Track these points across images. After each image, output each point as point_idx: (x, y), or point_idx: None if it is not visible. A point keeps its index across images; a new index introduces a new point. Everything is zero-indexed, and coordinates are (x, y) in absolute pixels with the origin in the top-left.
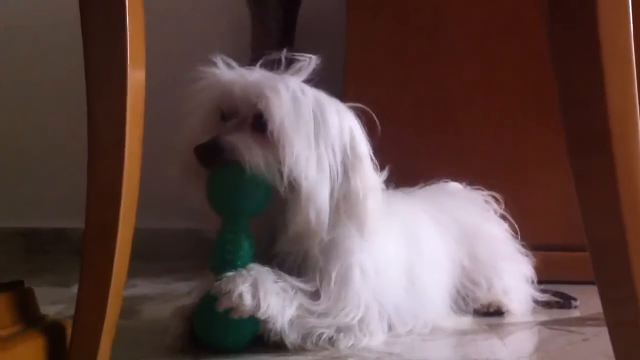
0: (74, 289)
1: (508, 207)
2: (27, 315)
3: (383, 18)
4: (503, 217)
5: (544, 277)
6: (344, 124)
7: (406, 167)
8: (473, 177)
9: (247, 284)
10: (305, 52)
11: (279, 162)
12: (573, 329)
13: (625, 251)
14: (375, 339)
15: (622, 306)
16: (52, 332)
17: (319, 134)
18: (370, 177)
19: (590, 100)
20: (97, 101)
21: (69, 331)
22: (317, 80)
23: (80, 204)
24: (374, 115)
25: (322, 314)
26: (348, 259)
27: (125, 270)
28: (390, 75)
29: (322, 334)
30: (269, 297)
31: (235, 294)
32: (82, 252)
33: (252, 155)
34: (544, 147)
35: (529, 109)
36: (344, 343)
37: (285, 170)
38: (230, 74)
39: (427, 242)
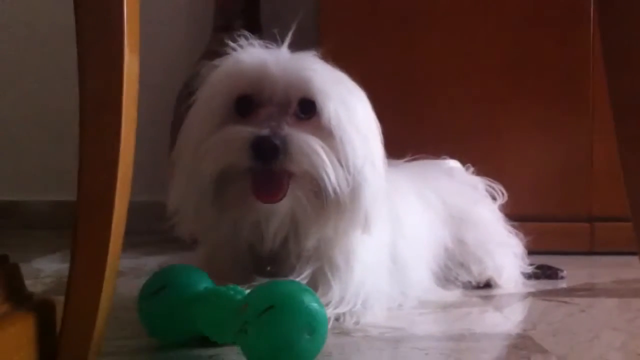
0: (35, 264)
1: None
2: (14, 294)
3: None
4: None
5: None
6: (366, 107)
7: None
8: (450, 150)
9: None
10: (273, 17)
11: (339, 160)
12: (566, 299)
13: None
14: (378, 315)
15: None
16: (42, 311)
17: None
18: (380, 170)
19: (634, 64)
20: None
21: (58, 309)
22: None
23: (36, 178)
24: None
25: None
26: (348, 254)
27: (120, 244)
28: (365, 47)
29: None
30: None
31: None
32: (75, 225)
33: (324, 163)
34: (521, 116)
35: (506, 80)
36: (349, 321)
37: (351, 172)
38: (259, 53)
39: (409, 217)
